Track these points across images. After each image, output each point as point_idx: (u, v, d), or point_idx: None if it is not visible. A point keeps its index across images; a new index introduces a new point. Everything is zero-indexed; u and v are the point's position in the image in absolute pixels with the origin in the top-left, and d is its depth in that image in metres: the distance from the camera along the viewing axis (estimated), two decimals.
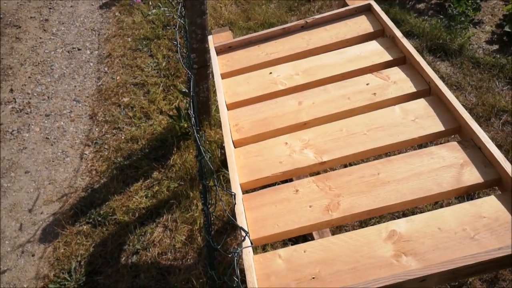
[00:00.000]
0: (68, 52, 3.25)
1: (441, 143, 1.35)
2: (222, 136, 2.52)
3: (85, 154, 2.47)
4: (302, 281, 1.00)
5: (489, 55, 2.89)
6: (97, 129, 2.63)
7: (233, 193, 1.14)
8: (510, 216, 1.01)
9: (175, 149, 2.41)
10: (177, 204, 2.13)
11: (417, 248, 1.00)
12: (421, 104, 1.33)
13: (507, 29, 2.94)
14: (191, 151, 2.37)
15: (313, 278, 1.01)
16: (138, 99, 2.80)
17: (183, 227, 2.04)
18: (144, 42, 3.34)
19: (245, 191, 1.27)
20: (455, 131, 1.26)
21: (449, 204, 1.66)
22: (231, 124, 1.46)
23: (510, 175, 1.05)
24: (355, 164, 1.24)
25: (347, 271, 1.00)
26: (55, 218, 2.12)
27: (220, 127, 2.56)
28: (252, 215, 1.18)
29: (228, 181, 2.27)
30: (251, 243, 1.05)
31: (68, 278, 1.85)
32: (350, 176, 1.20)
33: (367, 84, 1.45)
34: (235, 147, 1.40)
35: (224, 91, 1.60)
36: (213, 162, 2.28)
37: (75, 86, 2.96)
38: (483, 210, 1.04)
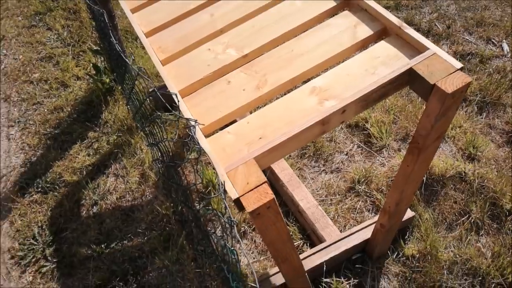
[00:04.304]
0: None
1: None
2: (147, 85, 2.59)
3: (11, 134, 2.40)
4: (251, 143, 1.19)
5: None
6: (15, 109, 2.55)
7: (174, 93, 1.27)
8: (396, 50, 1.27)
9: (103, 106, 2.44)
10: (121, 152, 2.20)
11: (334, 93, 1.23)
12: None
13: None
14: (121, 103, 2.42)
15: (260, 138, 1.20)
16: (49, 72, 2.73)
17: (134, 170, 2.14)
18: (37, 18, 3.20)
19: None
20: (343, 5, 1.49)
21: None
22: (154, 48, 1.57)
23: (393, 22, 1.30)
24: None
25: (285, 125, 1.20)
26: (1, 197, 2.09)
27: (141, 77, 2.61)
28: (195, 111, 1.33)
29: (164, 122, 2.38)
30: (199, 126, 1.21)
31: (35, 242, 1.89)
32: (270, 59, 1.39)
33: None
34: (163, 66, 1.51)
35: (139, 22, 1.68)
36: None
37: None
38: (377, 53, 1.29)
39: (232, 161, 1.14)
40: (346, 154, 2.19)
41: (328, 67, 1.38)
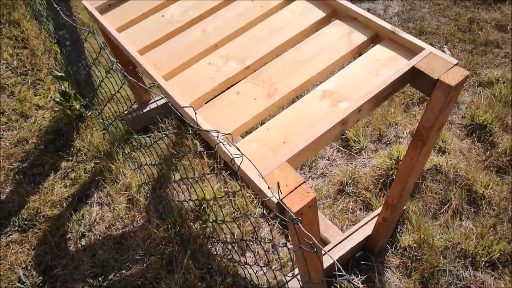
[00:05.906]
0: None
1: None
2: (119, 109, 2.50)
3: None
4: (276, 148, 1.22)
5: None
6: None
7: (191, 107, 1.27)
8: (393, 52, 1.38)
9: (74, 134, 2.32)
10: (103, 179, 2.10)
11: (345, 95, 1.30)
12: (299, 3, 1.62)
13: None
14: (94, 129, 2.31)
15: (284, 142, 1.23)
16: (4, 103, 2.55)
17: (119, 196, 2.05)
18: None
19: None
20: (332, 14, 1.59)
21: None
22: (150, 65, 1.54)
23: (386, 27, 1.41)
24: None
25: (305, 128, 1.25)
26: None
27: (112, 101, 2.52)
28: (210, 122, 1.33)
29: (143, 145, 2.31)
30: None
31: (22, 286, 1.72)
32: (275, 67, 1.44)
33: (252, 0, 1.68)
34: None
35: (127, 42, 1.65)
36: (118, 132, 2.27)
37: None
38: (375, 56, 1.39)
39: (263, 166, 1.16)
40: (328, 159, 2.28)
41: (332, 72, 1.45)
